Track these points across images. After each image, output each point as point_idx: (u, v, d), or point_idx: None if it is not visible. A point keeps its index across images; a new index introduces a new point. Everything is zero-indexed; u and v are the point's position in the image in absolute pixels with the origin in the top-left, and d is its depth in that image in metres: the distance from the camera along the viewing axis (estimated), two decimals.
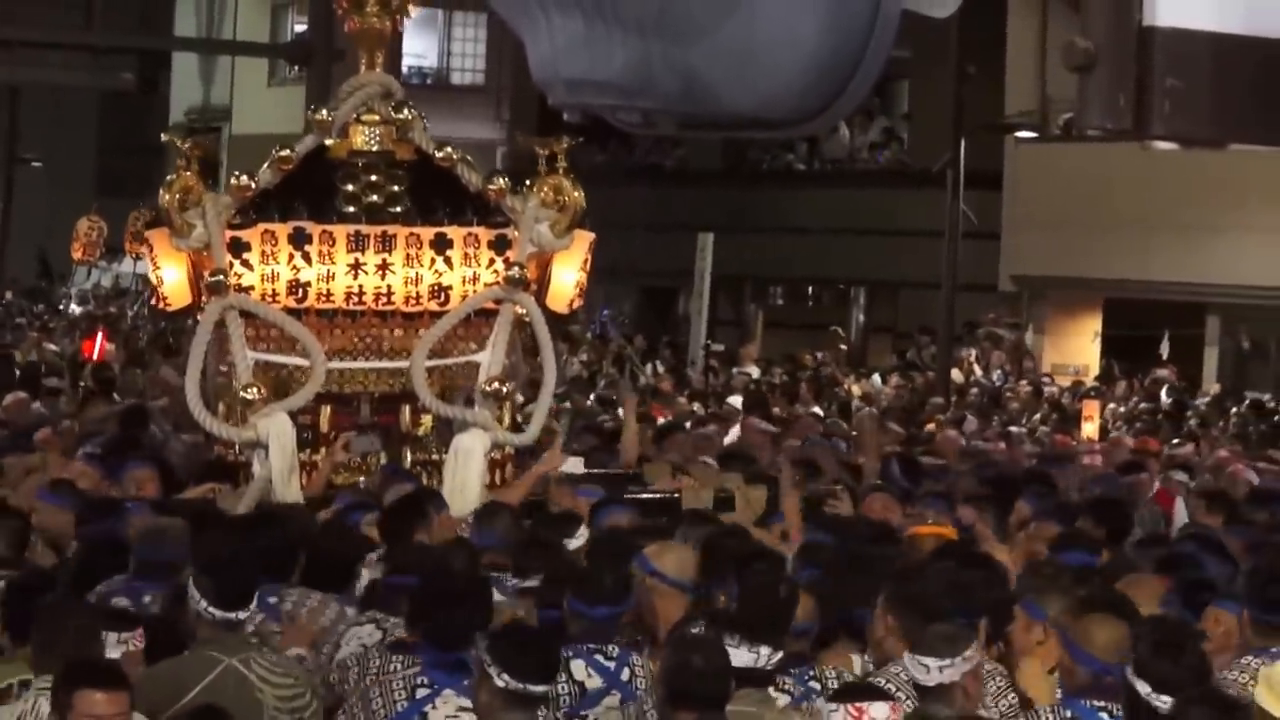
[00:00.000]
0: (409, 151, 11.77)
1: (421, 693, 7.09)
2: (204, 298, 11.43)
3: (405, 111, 11.71)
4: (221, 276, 11.23)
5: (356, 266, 11.51)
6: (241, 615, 7.22)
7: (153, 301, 12.45)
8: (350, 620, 8.11)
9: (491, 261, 11.59)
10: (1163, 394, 23.16)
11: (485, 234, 11.60)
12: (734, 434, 17.16)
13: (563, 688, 7.22)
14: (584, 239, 11.78)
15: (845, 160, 32.57)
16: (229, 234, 11.34)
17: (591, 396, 20.03)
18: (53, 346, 24.13)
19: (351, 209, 11.59)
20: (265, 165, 11.54)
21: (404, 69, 33.06)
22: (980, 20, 23.29)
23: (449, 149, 11.74)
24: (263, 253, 11.43)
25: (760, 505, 10.43)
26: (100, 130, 45.36)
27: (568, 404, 17.61)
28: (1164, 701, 6.08)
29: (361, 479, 11.36)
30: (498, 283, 11.55)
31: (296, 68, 33.52)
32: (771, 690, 6.90)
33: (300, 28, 35.35)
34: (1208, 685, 6.33)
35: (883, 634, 7.27)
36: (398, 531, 8.90)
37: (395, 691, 7.09)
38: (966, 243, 25.97)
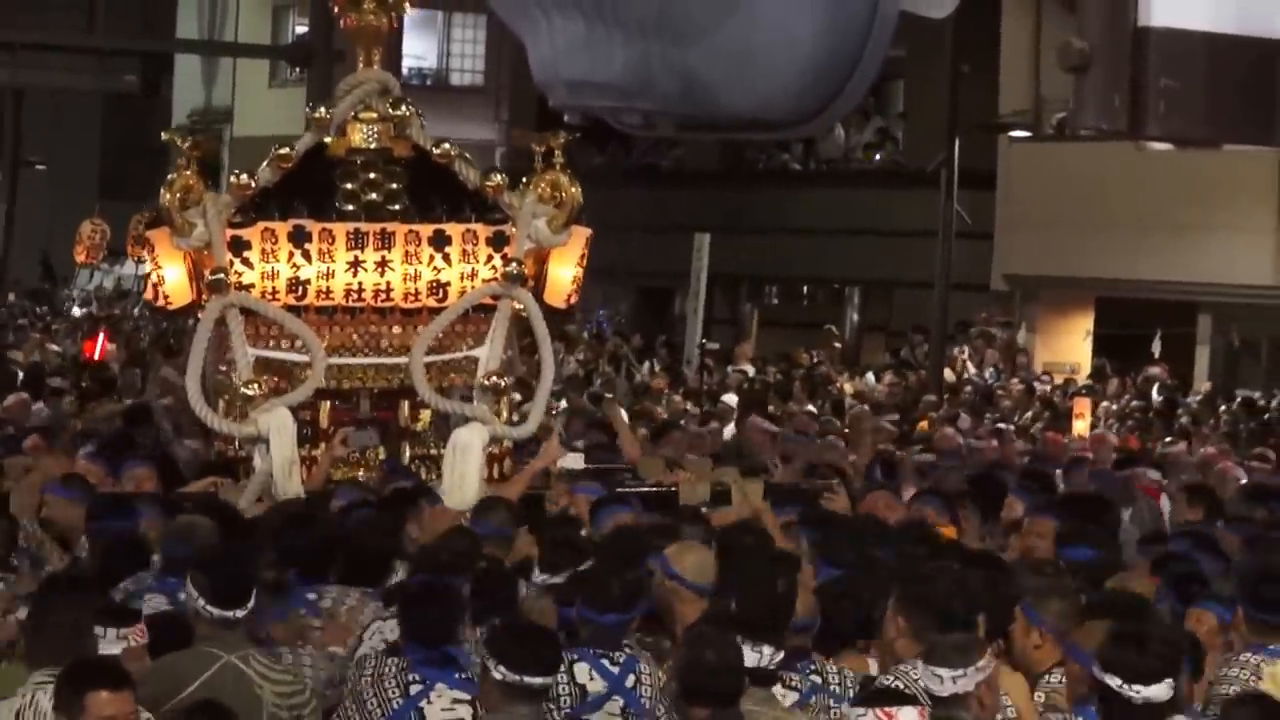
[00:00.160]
0: (407, 148, 11.81)
1: (415, 689, 7.14)
2: (204, 296, 11.49)
3: (402, 108, 11.75)
4: (222, 275, 11.29)
5: (356, 264, 11.55)
6: (239, 613, 7.19)
7: (148, 298, 12.46)
8: (374, 614, 8.07)
9: (490, 258, 11.63)
10: (1154, 392, 23.20)
11: (483, 230, 11.64)
12: (729, 432, 17.23)
13: (564, 689, 7.21)
14: (581, 234, 11.82)
15: (840, 160, 32.54)
16: (229, 232, 11.39)
17: (585, 395, 20.03)
18: (55, 348, 24.18)
19: (350, 207, 11.64)
20: (265, 164, 11.59)
21: (403, 70, 33.04)
22: (975, 20, 23.27)
23: (446, 145, 11.78)
24: (263, 251, 11.48)
25: (758, 498, 10.42)
26: (103, 133, 45.22)
27: (563, 402, 17.63)
28: (1136, 692, 5.98)
29: (360, 473, 11.43)
30: (496, 279, 11.60)
31: (297, 69, 33.50)
32: (778, 688, 6.92)
33: (301, 29, 35.30)
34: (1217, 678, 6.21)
35: (894, 635, 7.19)
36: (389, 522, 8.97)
37: (389, 690, 7.14)
38: (960, 242, 25.96)
